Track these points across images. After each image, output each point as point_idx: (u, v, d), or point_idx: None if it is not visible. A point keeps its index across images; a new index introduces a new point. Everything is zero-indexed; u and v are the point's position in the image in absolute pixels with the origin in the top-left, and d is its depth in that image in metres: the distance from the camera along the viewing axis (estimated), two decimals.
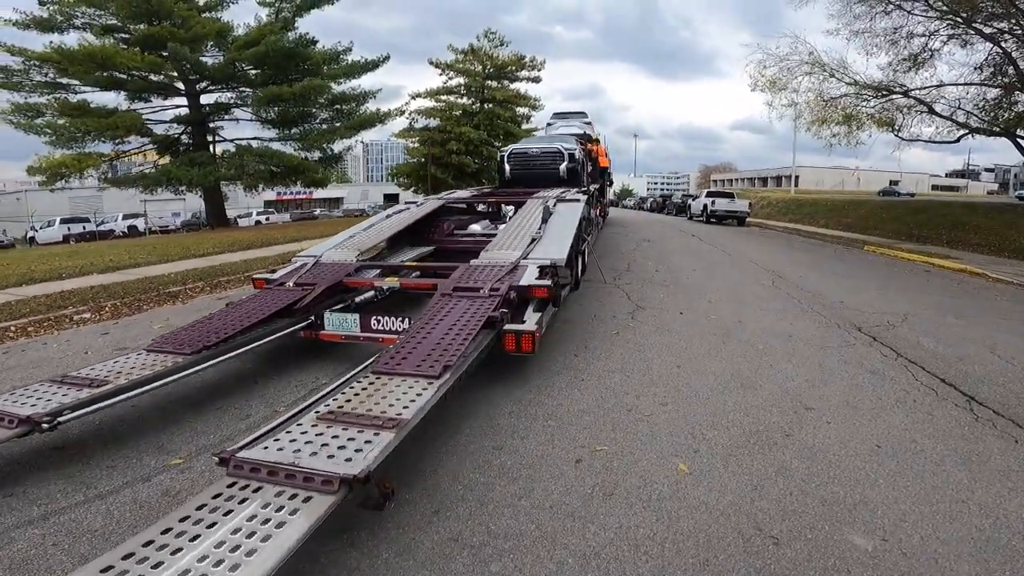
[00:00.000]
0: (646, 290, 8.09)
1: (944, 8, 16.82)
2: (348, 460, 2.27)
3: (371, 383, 3.14)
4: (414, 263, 5.99)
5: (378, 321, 4.61)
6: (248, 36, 21.91)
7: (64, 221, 33.24)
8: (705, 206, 26.24)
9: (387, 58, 24.91)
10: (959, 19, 16.91)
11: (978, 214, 19.32)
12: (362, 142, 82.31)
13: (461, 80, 29.00)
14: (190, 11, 22.58)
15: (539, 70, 29.69)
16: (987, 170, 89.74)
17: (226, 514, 2.04)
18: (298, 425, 2.64)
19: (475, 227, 8.29)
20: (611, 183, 21.05)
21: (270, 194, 49.50)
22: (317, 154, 24.76)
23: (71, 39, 21.02)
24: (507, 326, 4.13)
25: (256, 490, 2.18)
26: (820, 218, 26.64)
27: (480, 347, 3.78)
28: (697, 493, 2.81)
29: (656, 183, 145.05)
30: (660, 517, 2.60)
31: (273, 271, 5.71)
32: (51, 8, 20.82)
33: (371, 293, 5.77)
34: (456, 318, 3.96)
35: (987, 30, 16.90)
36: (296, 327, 4.75)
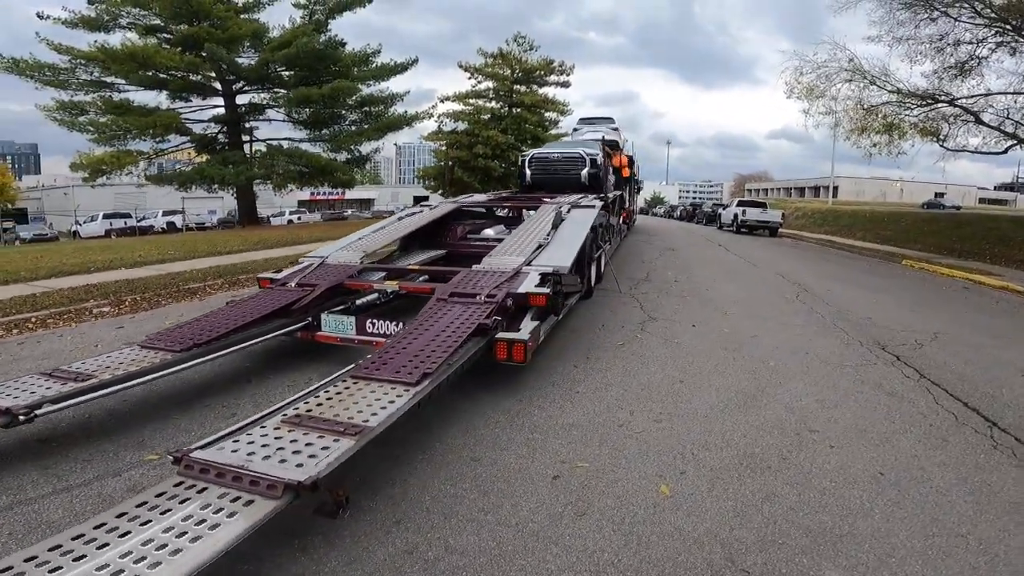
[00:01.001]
0: (661, 301, 7.88)
1: (993, 16, 16.11)
2: (299, 466, 2.25)
3: (347, 388, 3.09)
4: (417, 267, 5.94)
5: (373, 324, 4.57)
6: (281, 38, 22.35)
7: (106, 216, 34.59)
8: (735, 215, 25.62)
9: (415, 61, 25.14)
10: (1008, 27, 16.17)
11: None
12: (395, 144, 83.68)
13: (490, 84, 29.08)
14: (228, 12, 23.15)
15: (568, 75, 29.56)
16: None
17: (163, 512, 2.04)
18: (261, 428, 2.63)
19: (489, 231, 8.21)
20: (638, 190, 20.77)
21: (304, 194, 50.49)
22: (345, 155, 25.10)
23: (117, 38, 21.84)
24: (499, 334, 4.03)
25: (201, 490, 2.17)
26: (858, 230, 25.75)
27: (468, 354, 3.69)
28: (674, 518, 2.65)
29: (688, 191, 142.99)
30: (629, 542, 2.46)
31: (279, 271, 5.73)
32: (99, 7, 21.57)
33: (375, 296, 5.75)
34: (446, 324, 3.88)
35: None
36: (293, 328, 4.75)
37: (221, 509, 2.04)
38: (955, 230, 20.48)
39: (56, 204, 48.02)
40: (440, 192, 28.17)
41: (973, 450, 3.56)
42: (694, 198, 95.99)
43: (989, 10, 16.05)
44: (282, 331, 4.66)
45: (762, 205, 26.63)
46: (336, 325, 4.72)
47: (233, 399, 4.14)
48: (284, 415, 2.76)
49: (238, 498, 2.10)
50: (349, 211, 56.40)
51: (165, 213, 37.41)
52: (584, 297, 7.33)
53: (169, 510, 2.05)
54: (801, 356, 5.43)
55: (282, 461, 2.29)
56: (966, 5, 16.34)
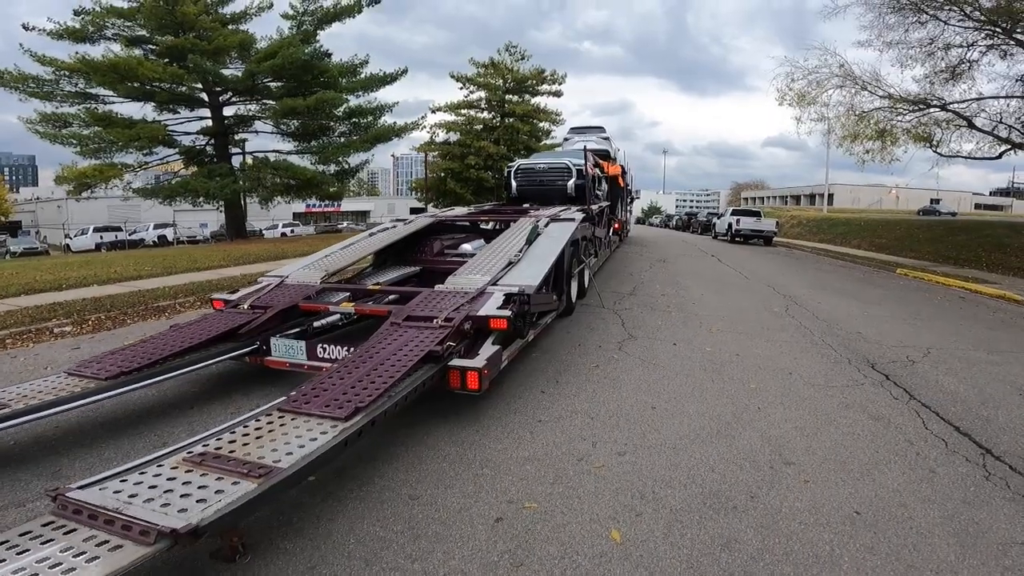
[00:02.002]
0: (644, 317, 7.60)
1: (982, 18, 15.92)
2: (182, 511, 2.06)
3: (269, 423, 2.82)
4: (380, 286, 5.65)
5: (324, 349, 4.29)
6: (268, 49, 22.07)
7: (97, 230, 34.38)
8: (730, 225, 25.45)
9: (405, 71, 24.91)
10: (998, 29, 15.99)
11: (1022, 235, 18.17)
12: (392, 155, 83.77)
13: (482, 94, 28.93)
14: (214, 23, 22.93)
15: (560, 84, 29.37)
16: None
17: (20, 552, 1.92)
18: (158, 466, 2.42)
19: (466, 246, 7.92)
20: (631, 200, 20.54)
21: (299, 206, 50.34)
22: (333, 167, 24.84)
23: (103, 50, 21.56)
24: (453, 361, 3.76)
25: (68, 532, 2.02)
26: (852, 238, 25.55)
27: (415, 384, 3.41)
28: (620, 570, 2.36)
29: (685, 200, 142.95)
30: None
31: (235, 291, 5.46)
32: (84, 19, 21.34)
33: (337, 316, 5.45)
34: (393, 351, 3.60)
35: None
36: (240, 352, 4.47)
37: (82, 553, 1.91)
38: (950, 237, 20.29)
39: (51, 217, 47.91)
40: (433, 204, 27.98)
41: (963, 482, 3.27)
42: (691, 207, 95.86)
43: (978, 12, 15.87)
44: (228, 355, 4.39)
45: (756, 214, 26.48)
46: (286, 350, 4.44)
47: (168, 427, 3.89)
48: (189, 452, 2.53)
49: (105, 542, 1.96)
50: (344, 223, 56.26)
51: (156, 226, 37.23)
52: (564, 314, 7.05)
53: (27, 551, 1.93)
54: (784, 377, 5.14)
55: (164, 505, 2.12)
56: (955, 8, 16.16)
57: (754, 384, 4.91)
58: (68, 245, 34.48)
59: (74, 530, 2.04)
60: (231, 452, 2.51)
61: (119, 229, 35.52)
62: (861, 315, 8.34)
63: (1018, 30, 15.77)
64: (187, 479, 2.31)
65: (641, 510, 2.85)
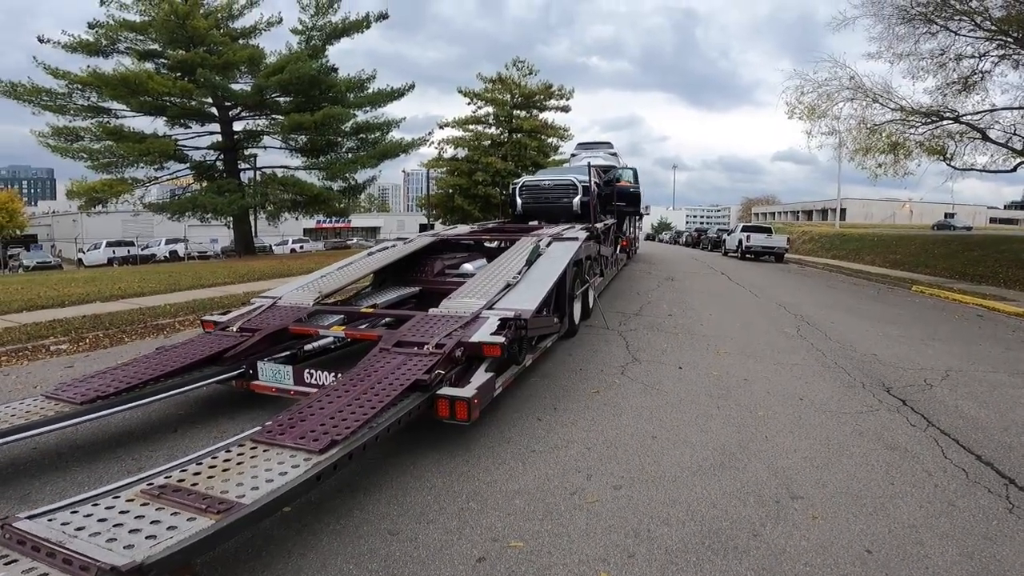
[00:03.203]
0: (650, 338, 7.39)
1: (993, 28, 15.67)
2: (129, 547, 1.94)
3: (240, 454, 2.67)
4: (374, 309, 5.50)
5: (311, 374, 4.15)
6: (276, 63, 22.21)
7: (110, 244, 34.75)
8: (740, 241, 25.16)
9: (412, 86, 24.98)
10: (1009, 39, 15.74)
11: None
12: (403, 171, 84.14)
13: (490, 110, 29.00)
14: (224, 37, 23.17)
15: (568, 99, 29.36)
16: None
17: None
18: (113, 498, 2.31)
19: (467, 266, 7.76)
20: (640, 216, 20.36)
21: (310, 222, 50.65)
22: (340, 183, 24.89)
23: (115, 63, 21.79)
24: (443, 390, 3.59)
25: (9, 563, 1.93)
26: (866, 254, 25.17)
27: (400, 414, 3.25)
28: None
29: (695, 216, 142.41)
30: None
31: (226, 312, 5.34)
32: (98, 32, 21.63)
33: (330, 339, 5.29)
34: (379, 379, 3.45)
35: None
36: (226, 376, 4.33)
37: None
38: (966, 252, 19.88)
39: (66, 231, 48.57)
40: (440, 221, 27.98)
41: (984, 516, 3.05)
42: (701, 223, 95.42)
43: (988, 22, 15.64)
44: (214, 379, 4.25)
45: (767, 230, 26.15)
46: (273, 374, 4.30)
47: (148, 452, 3.77)
48: (150, 484, 2.40)
49: (45, 575, 1.87)
50: (354, 239, 56.51)
51: (168, 241, 37.57)
52: (566, 336, 6.86)
53: None
54: (795, 403, 4.91)
55: (111, 540, 2.00)
56: (965, 18, 15.96)
57: (762, 411, 4.68)
58: (81, 259, 34.86)
59: (15, 561, 1.95)
60: (193, 485, 2.38)
61: (132, 244, 35.88)
62: (876, 335, 8.08)
63: None
64: (141, 512, 2.19)
65: (634, 551, 2.65)
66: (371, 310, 5.37)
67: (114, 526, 2.09)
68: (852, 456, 3.82)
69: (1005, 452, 3.93)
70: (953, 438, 4.19)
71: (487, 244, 9.09)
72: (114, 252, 34.01)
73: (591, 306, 8.53)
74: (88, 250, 35.06)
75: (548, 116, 30.05)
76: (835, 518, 2.99)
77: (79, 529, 2.07)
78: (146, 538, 2.01)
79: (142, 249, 35.85)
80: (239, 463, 2.57)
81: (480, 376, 3.87)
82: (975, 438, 4.19)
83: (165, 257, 35.94)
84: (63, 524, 2.11)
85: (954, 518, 3.02)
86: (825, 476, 3.50)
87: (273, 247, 39.03)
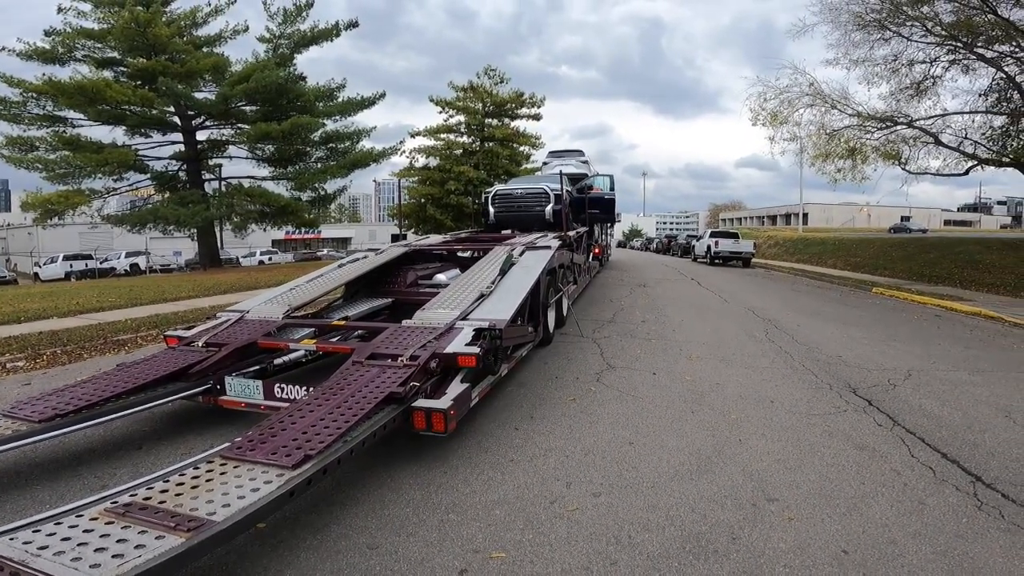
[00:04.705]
0: (624, 345, 7.44)
1: (943, 33, 16.29)
2: (95, 566, 1.88)
3: (210, 470, 2.58)
4: (345, 321, 5.41)
5: (282, 389, 4.05)
6: (241, 72, 21.80)
7: (67, 258, 33.49)
8: (709, 247, 25.65)
9: (383, 95, 24.78)
10: (959, 44, 16.40)
11: (992, 251, 18.47)
12: (374, 180, 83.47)
13: (461, 118, 28.93)
14: (187, 46, 22.62)
15: (539, 107, 29.41)
16: (999, 203, 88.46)
17: None
18: (77, 516, 2.23)
19: (440, 276, 7.70)
20: (612, 223, 20.57)
21: (278, 233, 49.74)
22: (309, 194, 24.50)
23: (71, 71, 21.12)
24: (418, 402, 3.54)
25: None
26: (828, 257, 25.91)
27: (376, 427, 3.19)
28: None
29: (665, 222, 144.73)
30: None
31: (191, 326, 5.18)
32: (54, 39, 20.95)
33: (301, 353, 5.17)
34: (352, 392, 3.38)
35: (988, 54, 16.34)
36: (192, 392, 4.20)
37: None
38: (923, 254, 20.61)
39: (21, 244, 46.71)
40: (412, 231, 27.74)
41: (954, 513, 3.13)
42: (671, 229, 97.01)
43: (939, 27, 16.24)
44: (179, 395, 4.12)
45: (734, 236, 26.73)
46: (241, 389, 4.18)
47: (111, 469, 3.64)
48: (114, 502, 2.31)
49: None
50: (324, 251, 55.71)
51: (128, 255, 36.40)
52: (541, 344, 6.86)
53: None
54: (766, 406, 4.99)
55: (75, 559, 1.93)
56: (916, 24, 16.54)
57: (735, 415, 4.75)
58: (37, 274, 33.52)
59: None
60: (161, 503, 2.30)
61: (89, 257, 34.63)
62: (840, 337, 8.29)
63: (978, 44, 16.15)
64: (106, 531, 2.11)
65: (616, 558, 2.64)
66: (343, 323, 5.28)
67: (78, 545, 2.03)
68: (823, 457, 3.89)
69: (970, 449, 4.05)
70: (919, 437, 4.30)
71: (460, 254, 9.05)
72: (71, 266, 32.77)
73: (565, 314, 8.56)
74: (44, 264, 33.71)
75: (520, 124, 30.16)
76: (810, 519, 3.03)
77: (42, 548, 2.01)
78: (112, 557, 1.95)
79: (101, 263, 34.62)
80: (208, 480, 2.49)
81: (456, 387, 3.84)
82: (940, 436, 4.31)
83: (125, 271, 34.76)
84: (24, 543, 2.04)
85: (925, 516, 3.09)
86: (798, 478, 3.56)
87: (240, 259, 38.19)
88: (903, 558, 2.68)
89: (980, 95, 17.42)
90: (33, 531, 2.15)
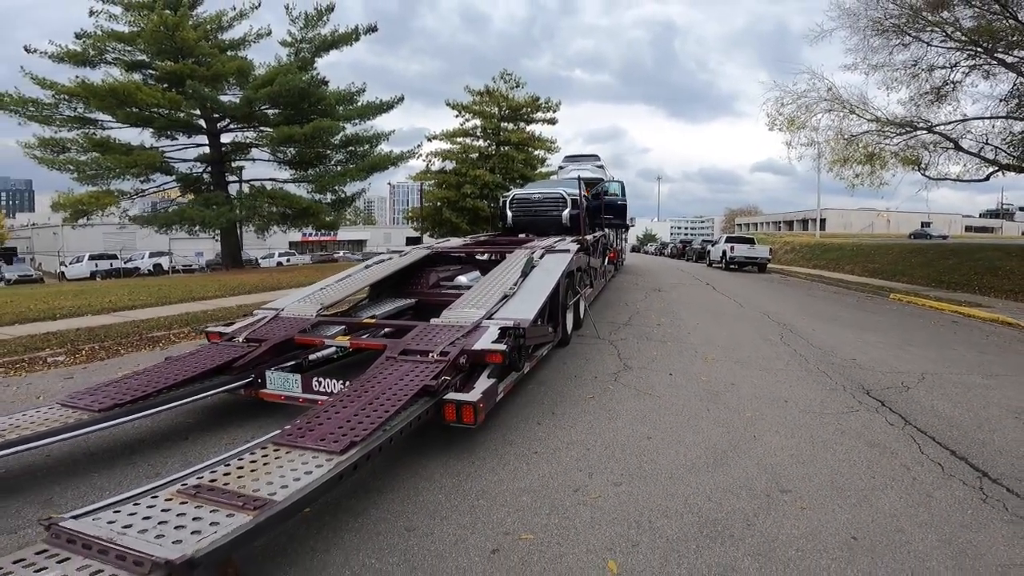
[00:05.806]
0: (640, 347, 7.61)
1: (964, 38, 16.18)
2: (177, 542, 2.06)
3: (264, 456, 2.81)
4: (375, 320, 5.66)
5: (320, 382, 4.30)
6: (265, 75, 22.21)
7: (92, 258, 34.33)
8: (724, 252, 25.64)
9: (401, 99, 25.12)
10: (979, 49, 16.28)
11: (1013, 258, 18.28)
12: (389, 183, 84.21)
13: (477, 122, 29.26)
14: (213, 49, 23.11)
15: (554, 111, 29.68)
16: (1021, 209, 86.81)
17: None
18: (153, 497, 2.43)
19: (462, 278, 7.95)
20: (626, 228, 20.69)
21: (296, 235, 50.45)
22: (330, 196, 24.92)
23: (103, 74, 21.57)
24: (449, 395, 3.77)
25: (62, 560, 2.02)
26: (845, 263, 25.75)
27: (411, 418, 3.42)
28: None
29: (680, 227, 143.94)
30: None
31: (230, 323, 5.46)
32: (85, 42, 21.46)
33: (332, 350, 5.43)
34: (389, 385, 3.61)
35: (1009, 59, 16.20)
36: (235, 385, 4.46)
37: None
38: (942, 261, 20.44)
39: (46, 244, 47.78)
40: (429, 234, 28.11)
41: (960, 506, 3.28)
42: (686, 234, 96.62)
43: (959, 33, 16.14)
44: (223, 388, 4.38)
45: (750, 241, 26.69)
46: (281, 383, 4.44)
47: (162, 458, 3.88)
48: (184, 484, 2.53)
49: (99, 571, 1.95)
50: (340, 252, 56.35)
51: (152, 255, 37.22)
52: (560, 345, 7.06)
53: None
54: (780, 405, 5.15)
55: (159, 536, 2.11)
56: (937, 29, 16.45)
57: (750, 413, 4.91)
58: (63, 273, 34.41)
59: (67, 559, 2.03)
60: (226, 484, 2.51)
61: (114, 257, 35.49)
62: (856, 342, 8.38)
63: (999, 50, 16.01)
64: (181, 511, 2.30)
65: (638, 540, 2.84)
66: (372, 321, 5.53)
67: (158, 523, 2.21)
68: (835, 453, 4.05)
69: (979, 448, 4.18)
70: (929, 435, 4.43)
71: (479, 257, 9.28)
72: (96, 265, 33.62)
73: (582, 316, 8.74)
74: (70, 263, 34.60)
75: (535, 128, 30.42)
76: (822, 509, 3.20)
77: (126, 527, 2.17)
78: (191, 533, 2.13)
79: (125, 262, 35.48)
80: (265, 464, 2.71)
81: (483, 382, 4.06)
82: (950, 435, 4.44)
83: (149, 271, 35.58)
84: (109, 523, 2.21)
85: (932, 508, 3.24)
86: (811, 471, 3.72)
87: (260, 260, 38.85)
88: (910, 545, 2.84)
89: (1001, 100, 17.28)
90: (114, 511, 2.32)
